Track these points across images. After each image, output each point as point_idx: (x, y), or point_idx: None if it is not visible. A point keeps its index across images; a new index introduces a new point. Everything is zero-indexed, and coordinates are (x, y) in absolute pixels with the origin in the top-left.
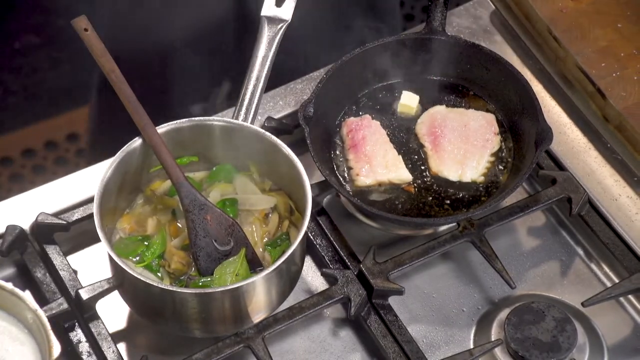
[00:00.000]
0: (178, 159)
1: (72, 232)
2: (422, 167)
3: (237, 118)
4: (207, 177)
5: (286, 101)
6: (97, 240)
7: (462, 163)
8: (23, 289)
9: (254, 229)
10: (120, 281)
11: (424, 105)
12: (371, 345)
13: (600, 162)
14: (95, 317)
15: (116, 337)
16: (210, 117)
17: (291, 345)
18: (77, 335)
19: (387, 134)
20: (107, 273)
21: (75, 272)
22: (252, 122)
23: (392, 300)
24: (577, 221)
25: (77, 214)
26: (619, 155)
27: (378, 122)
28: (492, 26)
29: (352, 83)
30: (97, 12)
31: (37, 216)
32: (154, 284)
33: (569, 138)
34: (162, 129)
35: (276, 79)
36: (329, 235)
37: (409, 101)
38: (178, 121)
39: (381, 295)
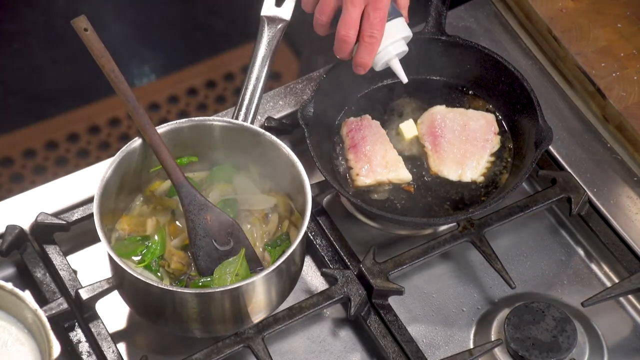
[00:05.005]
0: (178, 159)
1: (72, 232)
2: (422, 167)
3: (237, 118)
4: (207, 177)
5: (286, 101)
6: (97, 240)
7: (462, 163)
8: (23, 289)
9: (254, 229)
10: (120, 281)
11: (424, 106)
12: (371, 345)
13: (600, 162)
14: (95, 317)
15: (116, 337)
16: (210, 117)
17: (291, 345)
18: (77, 335)
19: (387, 133)
20: (107, 273)
21: (75, 272)
22: (252, 122)
23: (392, 300)
24: (577, 221)
25: (77, 214)
26: (619, 155)
27: (378, 122)
28: (492, 26)
29: (352, 83)
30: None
31: (37, 216)
32: (154, 284)
33: (568, 138)
34: (162, 129)
35: (276, 79)
36: (329, 235)
37: (408, 132)
38: (178, 121)
39: (381, 295)
